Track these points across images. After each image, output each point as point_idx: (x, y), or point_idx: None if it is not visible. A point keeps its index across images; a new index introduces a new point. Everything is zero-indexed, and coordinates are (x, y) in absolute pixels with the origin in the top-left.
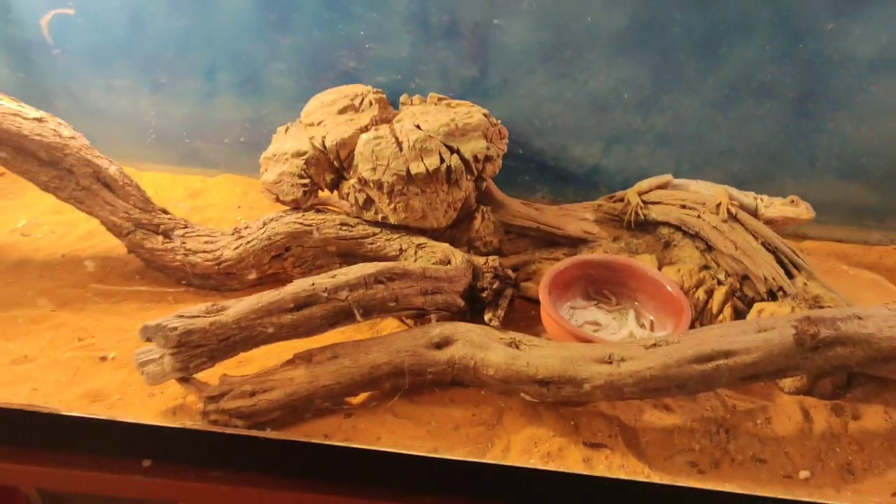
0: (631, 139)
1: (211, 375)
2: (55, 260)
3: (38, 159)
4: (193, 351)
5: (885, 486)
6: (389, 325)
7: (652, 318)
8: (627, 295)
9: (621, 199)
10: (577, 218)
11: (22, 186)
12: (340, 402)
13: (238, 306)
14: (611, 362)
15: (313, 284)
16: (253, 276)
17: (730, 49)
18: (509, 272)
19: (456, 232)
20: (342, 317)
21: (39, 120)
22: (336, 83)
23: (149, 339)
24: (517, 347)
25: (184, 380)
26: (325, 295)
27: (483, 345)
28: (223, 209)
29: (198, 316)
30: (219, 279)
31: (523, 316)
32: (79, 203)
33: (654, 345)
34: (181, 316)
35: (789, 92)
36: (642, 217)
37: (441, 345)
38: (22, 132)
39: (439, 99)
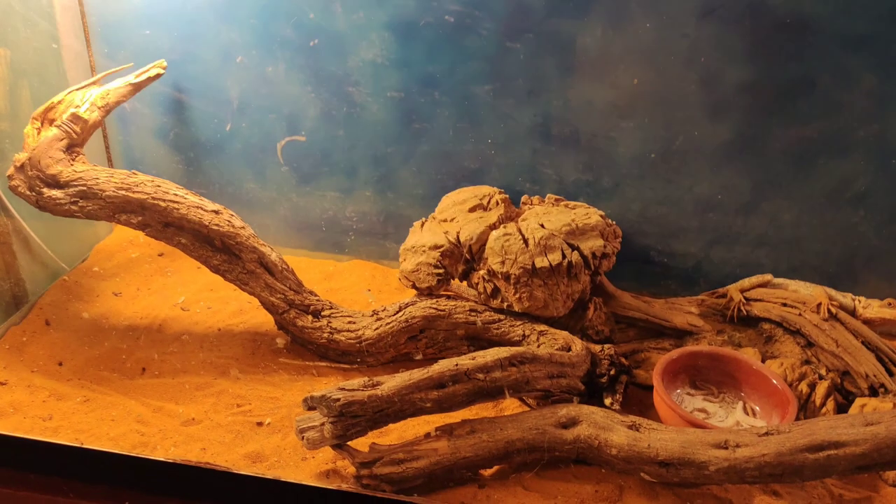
0: (731, 240)
1: (359, 444)
2: (213, 333)
3: (212, 246)
4: (352, 420)
5: None
6: (511, 405)
7: (757, 408)
8: (732, 386)
9: (723, 295)
10: (682, 311)
11: (179, 266)
12: (475, 473)
13: (392, 382)
14: (726, 447)
15: (457, 365)
16: (389, 354)
17: (827, 162)
18: (623, 360)
19: (570, 320)
20: (480, 395)
21: (217, 212)
22: (462, 184)
23: (311, 408)
24: (637, 430)
25: (338, 446)
26: (468, 375)
27: (606, 426)
28: (354, 291)
29: (357, 389)
30: (357, 356)
31: (634, 401)
32: (243, 284)
33: (767, 433)
34: (343, 389)
35: (882, 202)
36: (744, 312)
37: (567, 425)
38: (203, 222)
39: (556, 199)
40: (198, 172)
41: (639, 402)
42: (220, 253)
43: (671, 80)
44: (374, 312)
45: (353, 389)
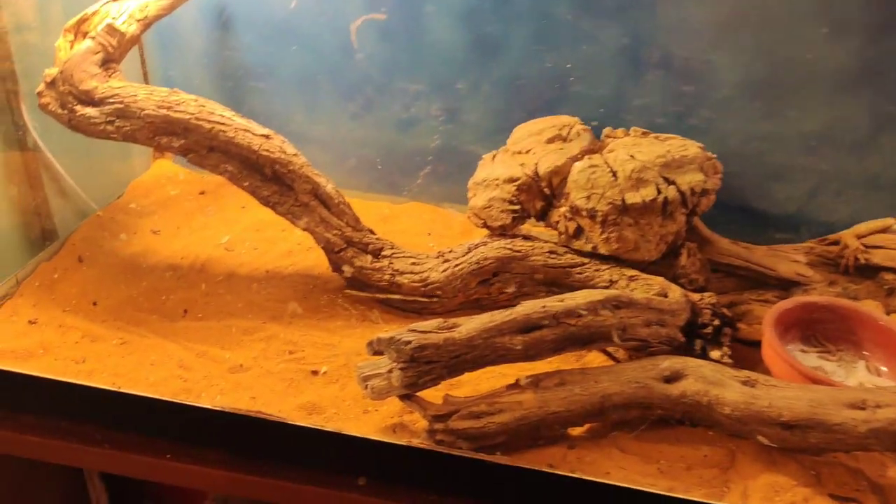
0: (841, 182)
1: (429, 395)
2: (260, 275)
3: (262, 175)
4: (424, 367)
5: None
6: (595, 358)
7: (885, 368)
8: (851, 342)
9: (835, 242)
10: (788, 259)
11: (222, 204)
12: (563, 432)
13: (471, 324)
14: (864, 408)
15: (545, 307)
16: (458, 300)
17: None
18: (727, 311)
19: (659, 268)
20: (570, 342)
21: (267, 136)
22: (535, 117)
23: (377, 353)
24: (754, 386)
25: (407, 397)
26: (556, 318)
27: (717, 381)
28: (413, 234)
29: (431, 332)
30: (422, 302)
31: (736, 358)
32: (295, 218)
33: None
34: (414, 330)
35: None
36: (862, 261)
37: (671, 379)
38: (252, 147)
39: (644, 133)
40: (241, 102)
41: (741, 359)
42: (271, 183)
43: None
44: (440, 254)
45: (427, 331)
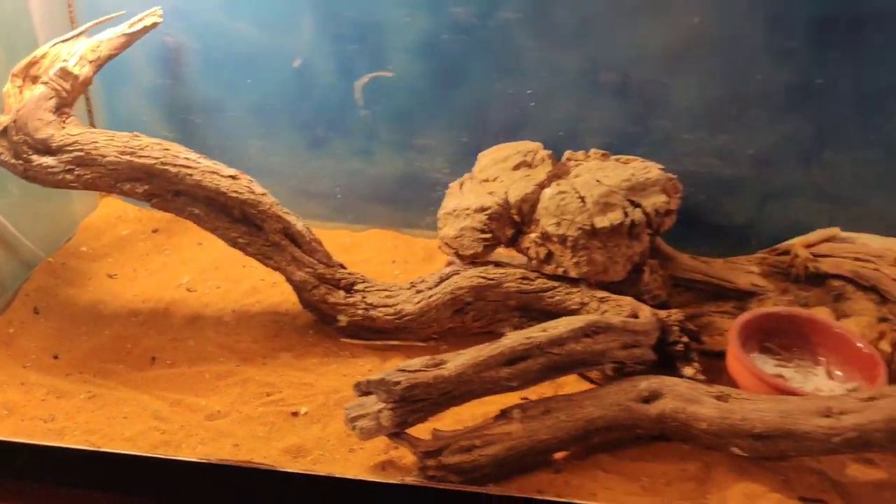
0: (788, 194)
1: (414, 430)
2: (227, 315)
3: (230, 216)
4: (413, 405)
5: None
6: (569, 381)
7: (839, 372)
8: (806, 349)
9: (785, 252)
10: (744, 271)
11: (177, 242)
12: (548, 457)
13: (458, 360)
14: (829, 416)
15: (529, 338)
16: (431, 330)
17: None
18: (692, 327)
19: (623, 286)
20: (554, 370)
21: (234, 177)
22: (497, 142)
23: (365, 394)
24: (727, 401)
25: (395, 435)
26: (540, 348)
27: (692, 398)
28: (377, 263)
29: (420, 370)
30: (395, 333)
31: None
32: (266, 258)
33: (871, 398)
34: (403, 370)
35: None
36: (812, 269)
37: (649, 399)
38: (220, 189)
39: (603, 154)
40: (193, 137)
41: (706, 370)
42: (239, 224)
43: (736, 18)
44: (412, 284)
45: (416, 370)
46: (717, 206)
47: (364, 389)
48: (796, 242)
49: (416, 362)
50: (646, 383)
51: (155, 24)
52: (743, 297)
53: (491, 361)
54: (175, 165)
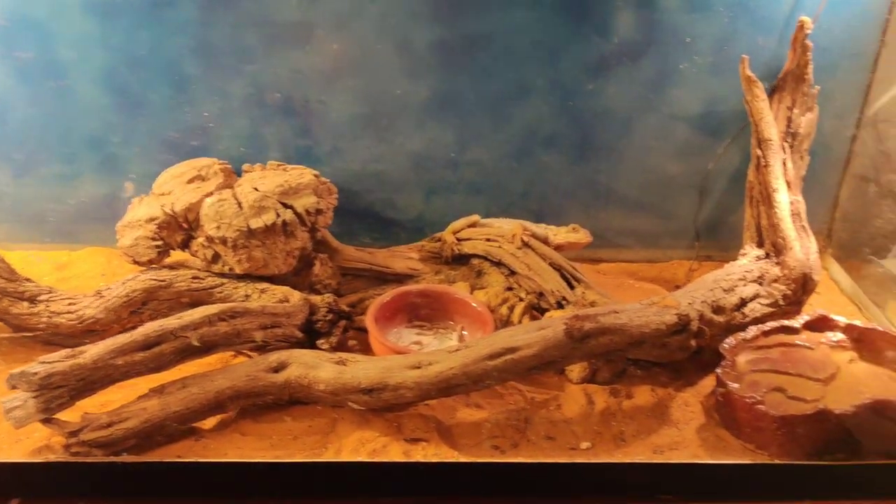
0: (446, 189)
1: (75, 416)
2: None
3: None
4: (54, 392)
5: (649, 447)
6: (241, 360)
7: (466, 333)
8: (447, 318)
9: (439, 239)
10: (403, 257)
11: None
12: (191, 426)
13: (95, 348)
14: (420, 367)
15: (161, 325)
16: (114, 331)
17: (513, 110)
18: (344, 306)
19: (298, 279)
20: (190, 352)
21: None
22: (188, 159)
23: (14, 387)
24: (344, 364)
25: (47, 420)
26: (173, 334)
27: (315, 365)
28: (88, 278)
29: (58, 360)
30: (82, 337)
31: (362, 345)
32: None
33: (458, 350)
34: (43, 361)
35: (568, 141)
36: (457, 252)
37: (278, 369)
38: None
39: (278, 165)
40: None
41: (365, 345)
42: None
43: (368, 44)
44: (97, 291)
45: (54, 361)
46: (392, 202)
47: (12, 382)
48: (446, 231)
49: (57, 354)
50: (276, 356)
51: None
52: (403, 280)
53: (126, 348)
54: None
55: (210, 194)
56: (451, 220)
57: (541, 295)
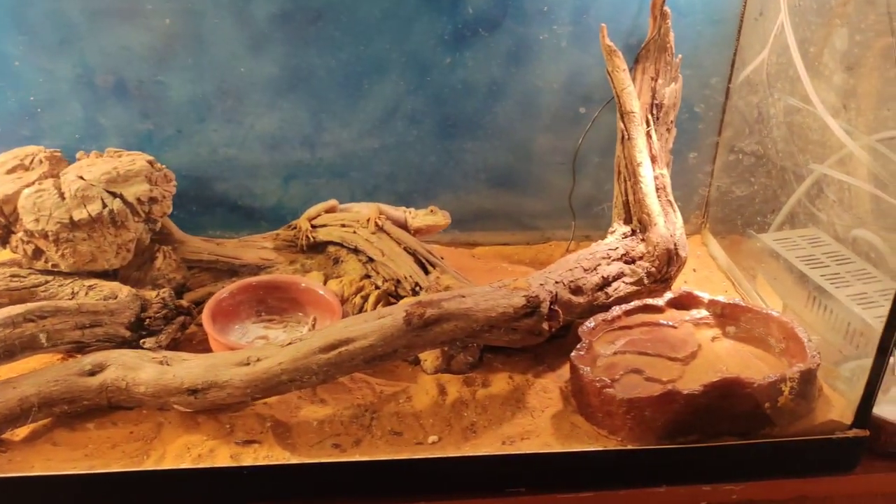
0: (305, 173)
1: None
2: None
3: None
4: None
5: (499, 438)
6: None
7: (315, 324)
8: (297, 309)
9: (295, 227)
10: (255, 247)
11: None
12: None
13: None
14: (248, 364)
15: None
16: None
17: (371, 86)
18: (182, 302)
19: (139, 274)
20: None
21: None
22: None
23: None
24: (168, 364)
25: None
26: None
27: (135, 366)
28: None
29: None
30: None
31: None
32: None
33: (290, 343)
34: None
35: (429, 118)
36: (312, 239)
37: (94, 371)
38: None
39: (115, 152)
40: None
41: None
42: None
43: (203, 18)
44: None
45: None
46: (248, 189)
47: None
48: (301, 217)
49: None
50: (91, 357)
51: None
52: (255, 272)
53: None
54: None
55: (30, 184)
56: (314, 206)
57: (398, 282)
